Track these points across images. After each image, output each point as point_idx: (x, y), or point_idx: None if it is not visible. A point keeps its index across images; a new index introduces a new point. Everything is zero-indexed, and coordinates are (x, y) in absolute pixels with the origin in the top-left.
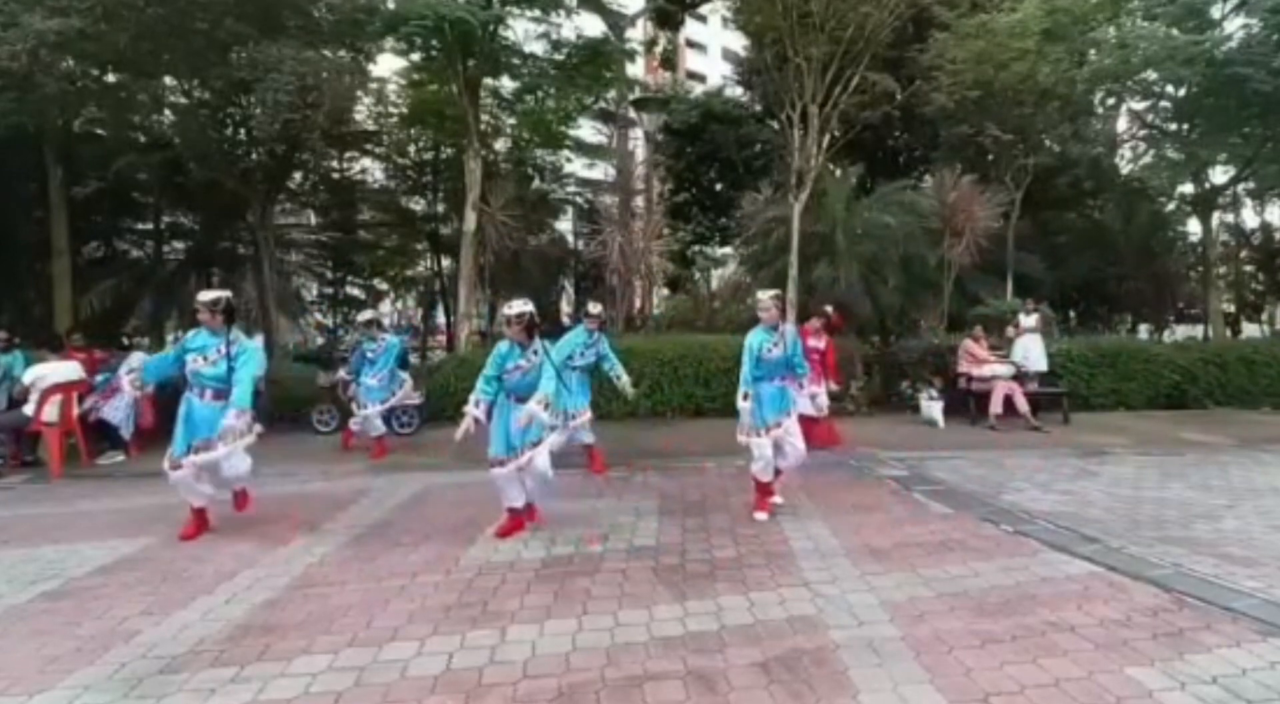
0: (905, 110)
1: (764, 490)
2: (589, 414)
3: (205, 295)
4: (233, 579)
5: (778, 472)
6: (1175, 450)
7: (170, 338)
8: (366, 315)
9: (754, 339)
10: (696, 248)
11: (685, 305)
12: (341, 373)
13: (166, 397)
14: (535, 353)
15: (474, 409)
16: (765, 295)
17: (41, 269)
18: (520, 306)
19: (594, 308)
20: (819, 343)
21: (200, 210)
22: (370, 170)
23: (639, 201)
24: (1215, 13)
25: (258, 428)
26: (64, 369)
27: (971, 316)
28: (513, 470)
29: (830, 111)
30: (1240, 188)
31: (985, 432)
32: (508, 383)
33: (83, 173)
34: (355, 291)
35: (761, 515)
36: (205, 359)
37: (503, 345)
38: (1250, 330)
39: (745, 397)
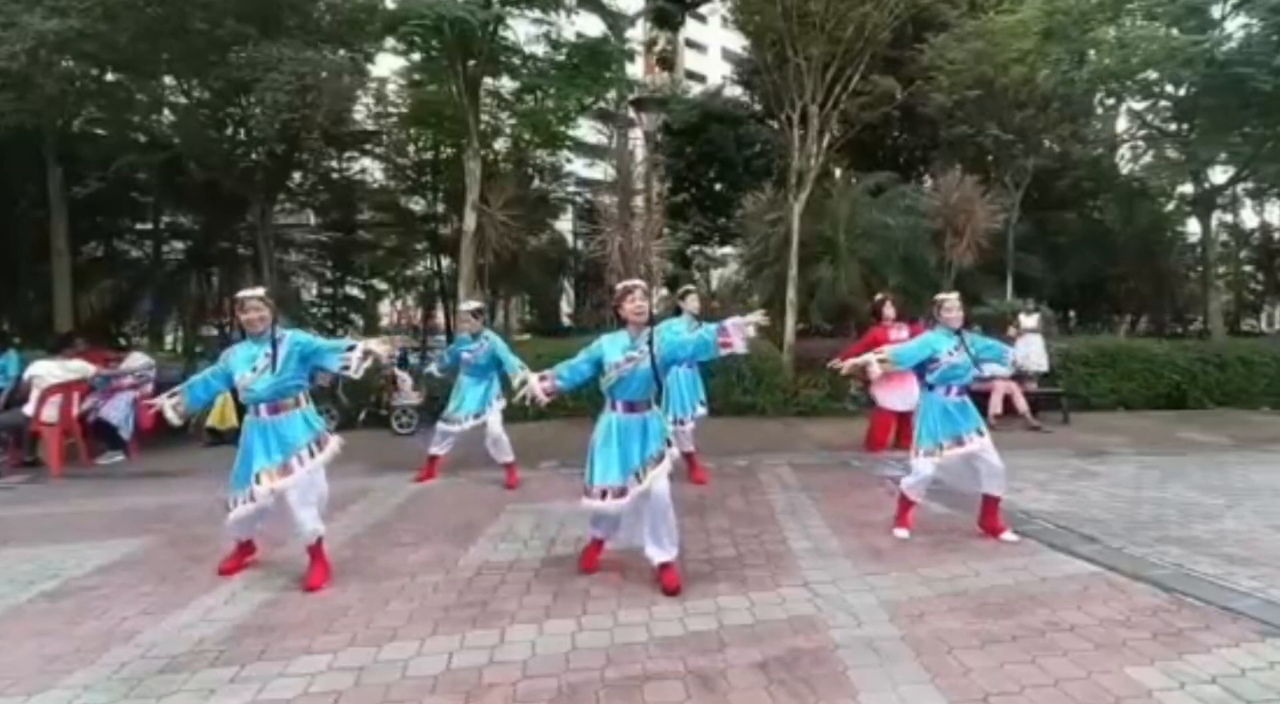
0: (905, 110)
1: (906, 508)
2: (687, 423)
3: (250, 291)
4: (233, 579)
5: (993, 501)
6: (1175, 450)
7: (170, 338)
8: (472, 305)
9: (938, 341)
10: (696, 248)
11: None
12: (431, 368)
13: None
14: (648, 343)
15: (536, 381)
16: (951, 297)
17: (41, 269)
18: (641, 281)
19: (687, 288)
20: (901, 334)
21: (200, 210)
22: (370, 170)
23: (638, 201)
24: (1215, 12)
25: (336, 441)
26: (67, 368)
27: (971, 317)
28: (633, 500)
29: (830, 111)
30: (1239, 188)
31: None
32: (611, 384)
33: (82, 173)
34: (355, 292)
35: (902, 532)
36: (254, 370)
37: (606, 337)
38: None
39: (882, 361)
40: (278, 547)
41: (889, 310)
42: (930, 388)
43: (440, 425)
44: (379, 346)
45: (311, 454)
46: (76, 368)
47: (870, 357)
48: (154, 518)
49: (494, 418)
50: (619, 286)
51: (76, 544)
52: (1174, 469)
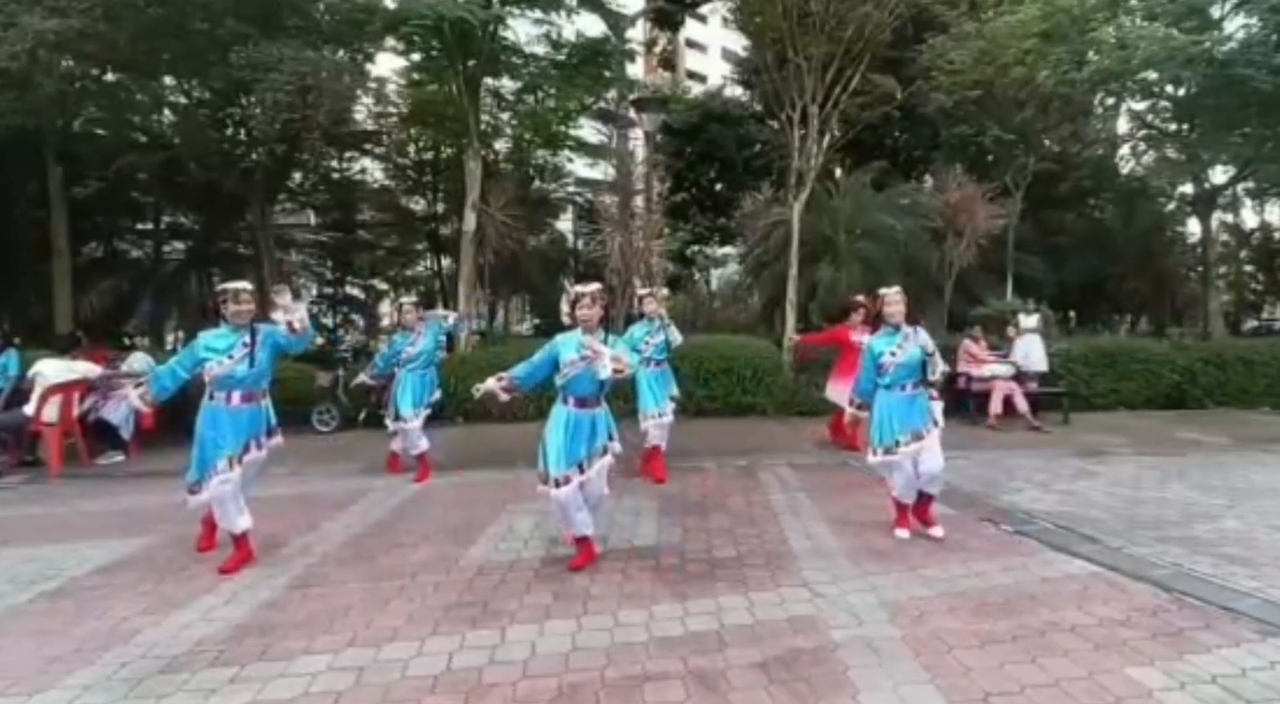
0: (905, 110)
1: (902, 510)
2: (665, 416)
3: (236, 283)
4: (233, 579)
5: (927, 498)
6: (1175, 450)
7: (171, 338)
8: (413, 298)
9: (877, 344)
10: (696, 247)
11: (685, 305)
12: (363, 377)
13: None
14: (604, 342)
15: (495, 381)
16: (893, 291)
17: (41, 269)
18: (595, 284)
19: (642, 290)
20: (863, 337)
21: (200, 210)
22: (370, 170)
23: (639, 201)
24: (1215, 12)
25: (277, 438)
26: (72, 369)
27: (972, 317)
28: (577, 488)
29: (830, 111)
30: (1240, 188)
31: (985, 432)
32: (567, 381)
33: (82, 172)
34: (355, 291)
35: (903, 533)
36: (231, 358)
37: (561, 337)
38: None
39: (859, 406)
40: (278, 547)
41: (856, 316)
42: (887, 387)
43: (403, 426)
44: (286, 311)
45: (266, 440)
46: (82, 369)
47: (851, 411)
48: (154, 518)
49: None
50: (572, 291)
51: (76, 544)
52: (1174, 469)
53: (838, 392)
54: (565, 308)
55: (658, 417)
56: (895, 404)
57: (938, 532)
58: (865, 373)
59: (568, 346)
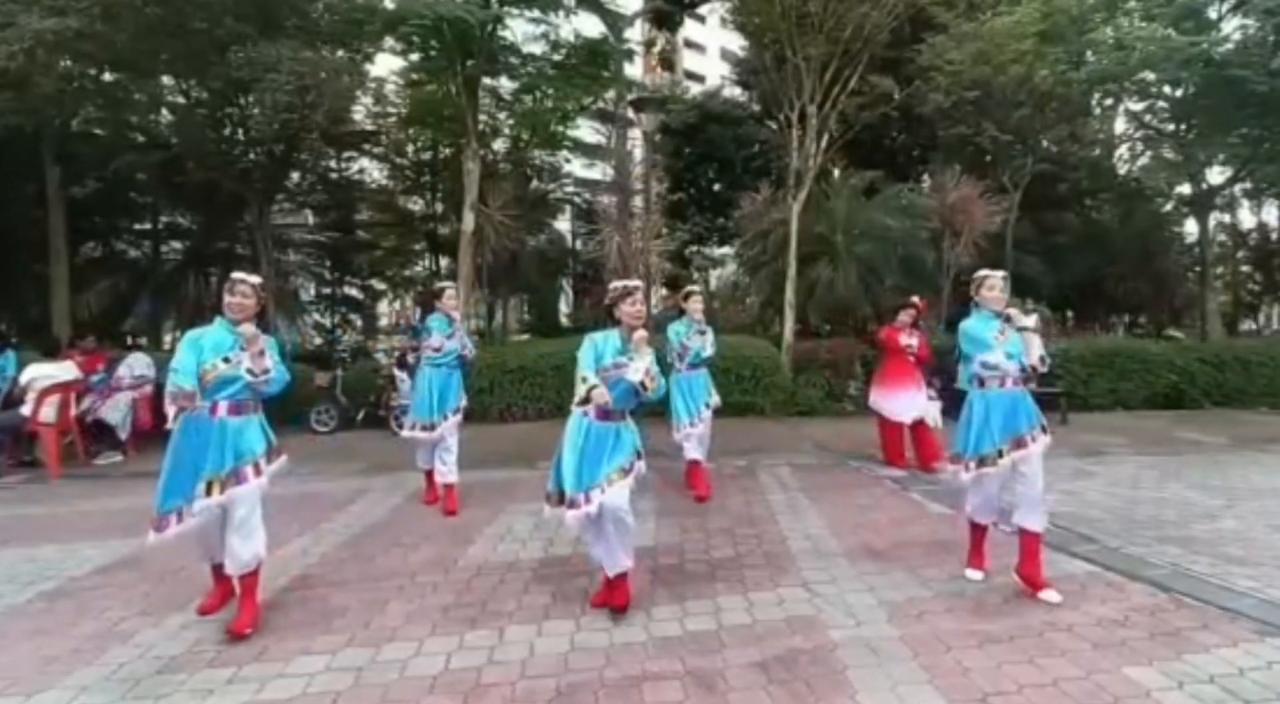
0: (903, 111)
1: (978, 539)
2: (696, 427)
3: (245, 274)
4: (231, 579)
5: (1029, 537)
6: (1173, 450)
7: (169, 338)
8: (454, 283)
9: (981, 326)
10: (695, 248)
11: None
12: (402, 374)
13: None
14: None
15: (604, 390)
16: (997, 274)
17: (39, 269)
18: (640, 282)
19: (690, 289)
20: (912, 340)
21: (198, 210)
22: (368, 170)
23: (637, 201)
24: (1213, 13)
25: (282, 459)
26: (61, 369)
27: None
28: (590, 513)
29: (829, 112)
30: (1237, 188)
31: None
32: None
33: (80, 172)
34: (353, 292)
35: (975, 574)
36: (227, 362)
37: (600, 337)
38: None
39: (981, 382)
40: (278, 546)
41: (904, 316)
42: (981, 384)
43: (418, 435)
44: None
45: (266, 464)
46: (68, 368)
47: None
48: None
49: (456, 421)
50: (616, 286)
51: (75, 544)
52: (1172, 469)
53: (882, 401)
54: (631, 305)
55: (689, 427)
56: (995, 402)
57: (1053, 596)
58: (968, 363)
59: (607, 347)
